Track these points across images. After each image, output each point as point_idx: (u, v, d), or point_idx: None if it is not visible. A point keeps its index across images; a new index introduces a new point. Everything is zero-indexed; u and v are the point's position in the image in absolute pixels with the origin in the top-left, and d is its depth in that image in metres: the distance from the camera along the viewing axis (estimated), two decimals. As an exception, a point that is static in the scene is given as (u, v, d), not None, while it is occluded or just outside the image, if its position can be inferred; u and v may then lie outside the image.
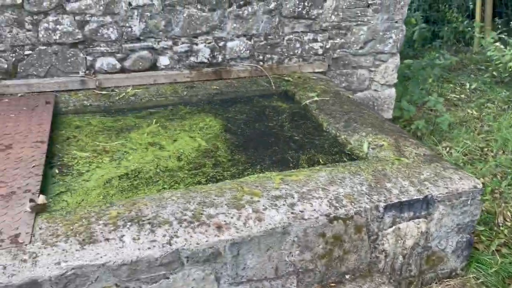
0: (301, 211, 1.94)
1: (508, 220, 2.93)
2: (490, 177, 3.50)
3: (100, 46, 3.13)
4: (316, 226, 1.93)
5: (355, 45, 3.81)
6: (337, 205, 2.00)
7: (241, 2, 3.36)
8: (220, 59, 3.48)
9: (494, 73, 6.18)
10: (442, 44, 8.03)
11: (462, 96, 5.77)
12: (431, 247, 2.27)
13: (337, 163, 2.35)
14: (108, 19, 3.07)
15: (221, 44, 3.44)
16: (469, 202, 2.23)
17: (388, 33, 3.85)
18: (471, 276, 2.38)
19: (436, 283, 2.34)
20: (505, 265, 2.47)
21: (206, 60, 3.44)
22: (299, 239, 1.92)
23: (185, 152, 2.54)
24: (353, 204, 2.02)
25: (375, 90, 4.04)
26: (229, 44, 3.46)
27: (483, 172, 3.58)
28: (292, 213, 1.93)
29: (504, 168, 3.60)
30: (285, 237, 1.89)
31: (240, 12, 3.39)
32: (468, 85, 6.08)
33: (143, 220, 1.80)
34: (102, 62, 3.18)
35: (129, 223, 1.77)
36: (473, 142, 4.19)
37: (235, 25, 3.41)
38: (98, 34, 3.09)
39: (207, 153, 2.54)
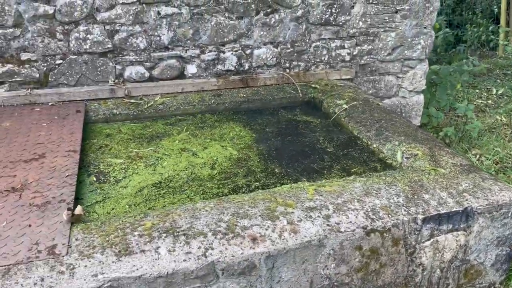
0: (337, 223, 1.90)
1: (547, 232, 2.81)
2: None
3: (129, 55, 3.15)
4: (352, 238, 1.89)
5: (382, 52, 3.75)
6: (373, 217, 1.95)
7: (268, 10, 3.35)
8: (246, 67, 3.47)
9: (523, 77, 6.02)
10: (466, 49, 7.88)
11: (489, 102, 5.63)
12: (470, 261, 2.19)
13: (371, 174, 2.30)
14: (137, 28, 3.10)
15: (248, 51, 3.43)
16: (509, 214, 2.15)
17: (416, 39, 3.78)
18: (512, 291, 2.30)
19: (475, 298, 2.26)
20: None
21: (233, 68, 3.43)
22: (335, 252, 1.87)
23: (218, 160, 2.54)
24: (390, 216, 1.97)
25: (403, 97, 3.96)
26: (256, 51, 3.45)
27: (517, 181, 3.47)
28: (327, 225, 1.88)
29: None
30: (321, 250, 1.85)
31: (267, 20, 3.37)
32: (494, 90, 5.95)
33: (178, 232, 1.78)
34: (131, 71, 3.20)
35: (164, 235, 1.76)
36: (504, 149, 4.08)
37: (262, 32, 3.40)
38: (128, 43, 3.11)
39: (240, 162, 2.52)
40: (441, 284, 2.17)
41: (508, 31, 7.40)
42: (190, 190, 2.25)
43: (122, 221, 1.85)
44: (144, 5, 3.05)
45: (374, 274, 1.99)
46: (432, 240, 2.06)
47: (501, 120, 4.93)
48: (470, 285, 2.25)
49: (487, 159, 3.90)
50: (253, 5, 3.28)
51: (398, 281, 2.06)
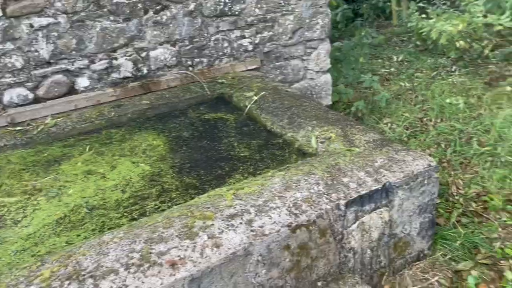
0: (261, 227, 1.78)
1: (460, 188, 2.96)
2: (435, 147, 3.54)
3: (5, 77, 2.75)
4: (279, 239, 1.78)
5: (284, 36, 3.70)
6: (297, 212, 1.86)
7: (158, 7, 3.11)
8: (145, 71, 3.22)
9: (418, 42, 6.36)
10: (363, 22, 8.20)
11: (392, 69, 5.88)
12: (397, 234, 2.20)
13: (289, 166, 2.21)
14: (9, 45, 2.71)
15: (144, 54, 3.18)
16: (426, 182, 2.18)
17: (314, 19, 3.77)
18: (439, 254, 2.36)
19: (406, 268, 2.28)
20: (468, 236, 2.48)
21: (130, 75, 3.16)
22: (264, 257, 1.76)
23: (132, 179, 2.30)
24: (313, 207, 1.89)
25: (311, 78, 3.96)
26: (152, 53, 3.20)
27: (428, 143, 3.62)
28: (251, 230, 1.76)
29: (446, 136, 3.67)
30: (248, 258, 1.72)
31: (159, 18, 3.14)
32: (395, 58, 6.22)
33: (83, 275, 1.55)
34: (11, 95, 2.81)
35: (66, 282, 1.52)
36: (412, 114, 4.25)
37: (155, 32, 3.16)
38: (0, 64, 2.72)
39: (153, 179, 2.30)
40: (374, 263, 2.16)
41: (399, -1, 7.77)
42: (92, 222, 2.00)
43: (15, 276, 1.57)
44: (12, 19, 2.67)
45: (307, 270, 1.91)
46: (358, 222, 2.02)
47: (405, 86, 5.16)
48: (401, 257, 2.27)
49: (398, 126, 4.04)
50: (139, 4, 3.03)
51: (332, 271, 2.00)
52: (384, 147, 2.32)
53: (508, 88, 4.15)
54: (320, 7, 3.75)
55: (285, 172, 2.13)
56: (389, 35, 7.62)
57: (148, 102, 3.10)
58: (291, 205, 1.89)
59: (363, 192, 2.00)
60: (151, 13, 3.10)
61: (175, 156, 2.49)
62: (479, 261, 2.35)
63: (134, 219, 1.98)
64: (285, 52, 3.76)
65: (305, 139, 2.49)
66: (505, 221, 2.61)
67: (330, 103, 4.19)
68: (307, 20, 3.74)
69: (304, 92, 3.91)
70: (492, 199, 2.77)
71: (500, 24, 4.59)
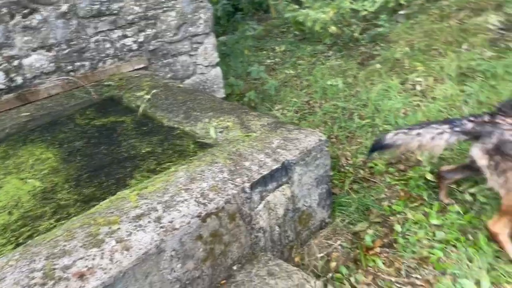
0: (171, 222, 1.77)
1: (349, 159, 3.24)
2: (323, 125, 3.82)
3: None
4: (190, 231, 1.78)
5: (168, 33, 3.66)
6: (205, 201, 1.88)
7: (26, 11, 2.86)
8: (20, 81, 2.94)
9: (296, 32, 6.74)
10: (244, 16, 8.44)
11: (277, 59, 6.16)
12: (300, 208, 2.34)
13: (191, 158, 2.22)
14: None
15: (16, 63, 2.90)
16: (319, 156, 2.35)
17: (196, 14, 3.79)
18: (338, 220, 2.57)
19: (312, 238, 2.45)
20: (361, 200, 2.74)
21: (3, 86, 2.86)
22: (177, 252, 1.75)
23: (22, 198, 2.09)
24: (220, 194, 1.93)
25: (202, 73, 3.99)
26: (26, 61, 2.94)
27: (316, 123, 3.89)
28: (161, 227, 1.73)
29: (331, 114, 3.98)
30: (162, 255, 1.70)
31: (28, 22, 2.89)
32: (278, 48, 6.52)
33: (-22, 307, 1.39)
34: None
35: (-42, 319, 1.35)
36: (299, 98, 4.52)
37: (26, 38, 2.90)
38: None
39: (46, 196, 2.12)
40: (283, 239, 2.28)
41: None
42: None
43: None
44: None
45: (222, 256, 1.95)
46: (263, 202, 2.11)
47: (289, 73, 5.45)
48: (306, 229, 2.42)
49: (289, 111, 4.26)
50: (4, 9, 2.75)
51: (245, 253, 2.07)
52: (278, 128, 2.45)
53: (378, 66, 4.63)
54: (201, 1, 3.79)
55: (188, 165, 2.13)
56: (269, 27, 7.96)
57: (28, 113, 2.84)
58: (198, 196, 1.90)
59: (265, 173, 2.09)
60: (18, 17, 2.84)
61: (69, 167, 2.33)
62: (373, 221, 2.61)
63: (20, 244, 1.80)
64: (172, 49, 3.73)
65: (204, 131, 2.51)
66: (389, 182, 2.93)
67: (224, 95, 4.27)
68: (190, 15, 3.75)
69: (196, 87, 3.92)
70: (376, 165, 3.09)
71: (365, 10, 5.09)
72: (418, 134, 2.28)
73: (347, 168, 3.14)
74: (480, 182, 2.57)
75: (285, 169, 2.19)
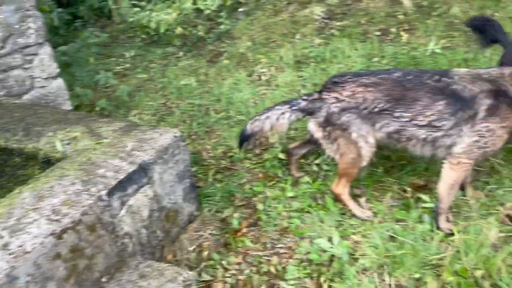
0: (20, 246, 1.63)
1: (210, 152, 3.36)
2: (182, 124, 3.87)
3: None
4: (45, 251, 1.67)
5: (-7, 46, 3.29)
6: (58, 217, 1.77)
7: None
8: None
9: (143, 36, 6.63)
10: (85, 23, 7.98)
11: (127, 65, 5.99)
12: (165, 206, 2.36)
13: (37, 176, 2.06)
14: None
15: None
16: (177, 152, 2.39)
17: (24, 24, 3.47)
18: (206, 211, 2.65)
19: (182, 233, 2.49)
20: (225, 188, 2.87)
21: None
22: (33, 276, 1.63)
23: None
24: (74, 207, 1.84)
25: (42, 86, 3.67)
26: None
27: (175, 123, 3.92)
28: (10, 254, 1.59)
29: (188, 112, 4.05)
30: (15, 283, 1.56)
31: None
32: (127, 54, 6.34)
33: None
34: None
35: None
36: (156, 101, 4.49)
37: None
38: None
39: None
40: (152, 240, 2.27)
41: (116, -2, 7.84)
42: None
43: None
44: None
45: (87, 271, 1.87)
46: (125, 207, 2.08)
47: (142, 78, 5.35)
48: (175, 225, 2.45)
49: (146, 115, 4.21)
50: None
51: (113, 262, 2.01)
52: (132, 131, 2.42)
53: (226, 61, 4.85)
54: (27, 10, 3.48)
55: (34, 184, 1.98)
56: (115, 33, 7.68)
57: None
58: (50, 213, 1.79)
59: (122, 177, 2.06)
60: None
61: None
62: (238, 205, 2.76)
63: None
64: (1, 64, 3.36)
65: (49, 146, 2.34)
66: (248, 166, 3.12)
67: (71, 108, 4.00)
68: (16, 26, 3.42)
69: (38, 101, 3.59)
70: (235, 153, 3.26)
71: (207, 8, 5.27)
72: (267, 118, 2.50)
73: (209, 160, 3.25)
74: (322, 153, 2.91)
75: (143, 170, 2.18)
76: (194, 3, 5.46)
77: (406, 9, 4.69)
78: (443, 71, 2.31)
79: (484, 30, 3.20)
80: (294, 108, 2.45)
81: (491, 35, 3.23)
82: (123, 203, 2.06)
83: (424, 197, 2.52)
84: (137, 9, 5.80)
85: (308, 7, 5.16)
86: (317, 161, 3.00)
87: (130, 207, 2.11)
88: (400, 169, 2.81)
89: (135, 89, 4.98)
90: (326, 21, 4.93)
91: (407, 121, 2.23)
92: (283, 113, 2.48)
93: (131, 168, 2.11)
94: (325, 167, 2.93)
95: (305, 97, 2.47)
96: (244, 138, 2.70)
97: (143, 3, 5.74)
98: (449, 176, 2.27)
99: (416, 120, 2.21)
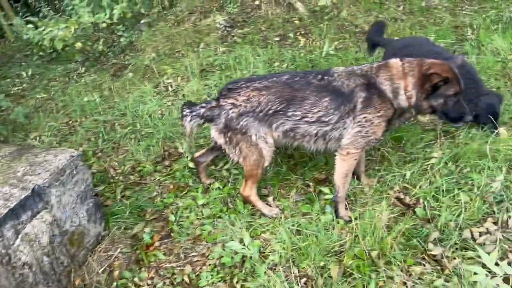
0: None
1: (117, 168, 3.27)
2: (87, 143, 3.72)
3: None
4: None
5: None
6: None
7: None
8: None
9: (41, 53, 6.26)
10: None
11: (25, 85, 5.63)
12: (68, 230, 2.27)
13: None
14: None
15: None
16: (75, 172, 2.31)
17: None
18: (115, 229, 2.58)
19: (90, 256, 2.41)
20: (134, 203, 2.81)
21: None
22: None
23: None
24: (-42, 243, 1.70)
25: None
26: None
27: (79, 142, 3.76)
28: None
29: (93, 130, 3.90)
30: None
31: None
32: (24, 73, 5.95)
33: None
34: None
35: None
36: (57, 121, 4.26)
37: None
38: None
39: None
40: (56, 266, 2.17)
41: (5, 14, 7.28)
42: None
43: None
44: None
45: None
46: (21, 236, 1.96)
47: (42, 97, 5.05)
48: (81, 248, 2.36)
49: (47, 136, 3.97)
50: None
51: (12, 296, 1.89)
52: (23, 155, 2.29)
53: (131, 75, 4.75)
54: None
55: None
56: (10, 52, 7.17)
57: None
58: None
59: (13, 205, 1.94)
60: None
61: None
62: (149, 219, 2.73)
63: None
64: None
65: None
66: (159, 179, 3.09)
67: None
68: None
69: None
70: (144, 167, 3.21)
71: (104, 22, 5.12)
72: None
73: (117, 177, 3.17)
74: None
75: (38, 195, 2.07)
76: (92, 16, 5.27)
77: (301, 15, 4.96)
78: (325, 70, 2.49)
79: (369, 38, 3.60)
80: (193, 114, 2.48)
81: (372, 40, 3.60)
82: (17, 232, 1.95)
83: (325, 189, 2.69)
84: (30, 25, 5.45)
85: (210, 16, 5.24)
86: (226, 166, 3.06)
87: (27, 235, 1.99)
88: (303, 165, 2.97)
89: (34, 110, 4.69)
90: (228, 29, 5.03)
91: (299, 119, 2.38)
92: (185, 116, 2.51)
93: (24, 194, 2.00)
94: (234, 171, 3.00)
95: (204, 105, 2.51)
96: None
97: (36, 19, 5.42)
98: (342, 167, 2.46)
99: (306, 117, 2.36)
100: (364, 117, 2.31)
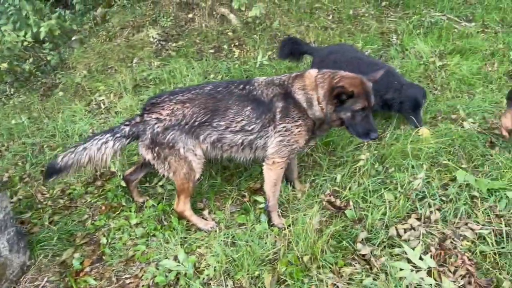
0: None
1: (45, 193, 3.11)
2: (13, 168, 3.52)
3: None
4: None
5: None
6: None
7: None
8: None
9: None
10: None
11: None
12: (-14, 263, 2.12)
13: None
14: None
15: None
16: (-9, 201, 2.17)
17: None
18: (42, 257, 2.45)
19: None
20: (63, 228, 2.68)
21: None
22: None
23: None
24: None
25: None
26: None
27: (6, 167, 3.55)
28: None
29: (21, 154, 3.69)
30: None
31: None
32: None
33: None
34: None
35: None
36: None
37: None
38: None
39: None
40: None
41: None
42: None
43: None
44: None
45: None
46: None
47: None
48: (4, 281, 2.21)
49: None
50: None
51: None
52: None
53: (61, 93, 4.56)
54: None
55: None
56: None
57: None
58: None
59: None
60: None
61: None
62: (79, 244, 2.60)
63: None
64: None
65: None
66: (90, 201, 2.97)
67: None
68: None
69: None
70: (75, 189, 3.08)
71: (25, 40, 4.90)
72: (84, 149, 2.40)
73: (45, 202, 3.01)
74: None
75: None
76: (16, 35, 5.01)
77: (234, 26, 5.00)
78: (247, 80, 2.52)
79: (290, 48, 3.74)
80: (117, 135, 2.41)
81: (297, 49, 3.73)
82: None
83: (259, 198, 2.71)
84: None
85: (143, 31, 5.16)
86: (160, 183, 3.00)
87: None
88: (238, 176, 2.97)
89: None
90: (162, 43, 4.97)
91: (224, 129, 2.38)
92: (106, 142, 2.41)
93: None
94: (169, 187, 2.94)
95: (127, 123, 2.45)
96: (51, 173, 2.45)
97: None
98: (270, 176, 2.48)
99: (231, 127, 2.37)
100: (284, 127, 2.35)
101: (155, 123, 2.36)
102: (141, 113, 2.46)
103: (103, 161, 2.41)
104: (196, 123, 2.36)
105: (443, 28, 4.80)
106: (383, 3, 5.69)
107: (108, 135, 2.42)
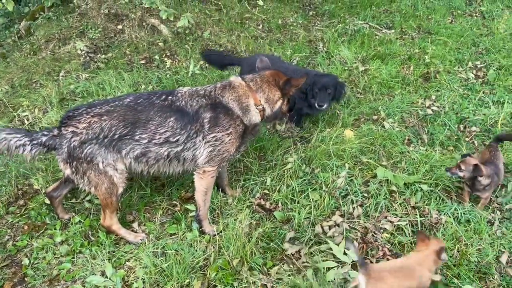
0: None
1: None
2: None
3: None
4: None
5: None
6: None
7: None
8: None
9: None
10: None
11: None
12: None
13: None
14: None
15: None
16: None
17: None
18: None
19: None
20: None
21: None
22: None
23: None
24: None
25: None
26: None
27: None
28: None
29: None
30: None
31: None
32: None
33: None
34: None
35: None
36: None
37: None
38: None
39: None
40: None
41: None
42: None
43: None
44: None
45: None
46: None
47: None
48: None
49: None
50: None
51: None
52: None
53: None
54: None
55: None
56: None
57: None
58: None
59: None
60: None
61: None
62: (-1, 267, 2.46)
63: None
64: None
65: None
66: (11, 221, 2.80)
67: None
68: None
69: None
70: None
71: None
72: (4, 139, 2.27)
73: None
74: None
75: None
76: None
77: (165, 37, 4.97)
78: (170, 90, 2.51)
79: (216, 60, 3.86)
80: (34, 142, 2.30)
81: (225, 60, 3.87)
82: None
83: (190, 207, 2.70)
84: None
85: (70, 43, 4.99)
86: (88, 198, 2.90)
87: None
88: (170, 185, 2.95)
89: None
90: (91, 55, 4.83)
91: (147, 142, 2.34)
92: (24, 145, 2.30)
93: None
94: (96, 201, 2.85)
95: (45, 133, 2.34)
96: None
97: None
98: (200, 185, 2.48)
99: (154, 139, 2.33)
100: (214, 136, 2.37)
101: (72, 137, 2.27)
102: (58, 126, 2.36)
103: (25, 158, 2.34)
104: (116, 136, 2.29)
105: (365, 35, 5.07)
106: (311, 13, 5.92)
107: (27, 139, 2.29)
